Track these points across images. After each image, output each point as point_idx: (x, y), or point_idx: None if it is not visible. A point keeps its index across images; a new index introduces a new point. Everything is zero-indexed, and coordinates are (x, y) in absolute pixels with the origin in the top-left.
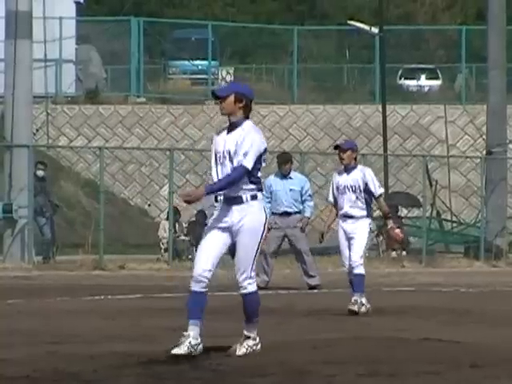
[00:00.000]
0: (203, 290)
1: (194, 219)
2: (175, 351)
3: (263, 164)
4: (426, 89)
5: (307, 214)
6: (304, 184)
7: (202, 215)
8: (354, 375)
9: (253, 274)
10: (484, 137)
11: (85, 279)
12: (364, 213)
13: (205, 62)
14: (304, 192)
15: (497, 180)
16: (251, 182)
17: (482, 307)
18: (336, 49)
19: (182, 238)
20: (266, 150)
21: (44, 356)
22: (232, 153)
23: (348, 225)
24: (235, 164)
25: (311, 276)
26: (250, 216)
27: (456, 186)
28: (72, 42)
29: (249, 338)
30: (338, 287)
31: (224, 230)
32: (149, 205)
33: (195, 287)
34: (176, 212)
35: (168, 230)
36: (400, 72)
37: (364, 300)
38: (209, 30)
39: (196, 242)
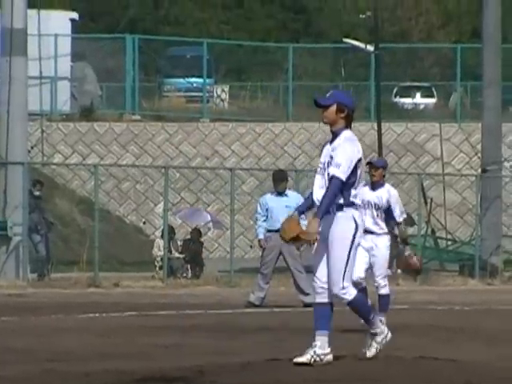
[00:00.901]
0: (325, 300)
1: (188, 237)
2: (297, 360)
3: (358, 173)
4: (421, 107)
5: None
6: (299, 201)
7: (196, 233)
8: None
9: (346, 284)
10: (479, 155)
11: (79, 297)
12: (384, 229)
13: (200, 80)
14: None
15: (492, 198)
16: (340, 193)
17: (477, 325)
18: (331, 66)
19: (177, 255)
20: (360, 160)
21: (39, 374)
22: (327, 163)
23: (368, 241)
24: (331, 174)
25: (306, 294)
26: (336, 227)
27: (451, 204)
28: (67, 59)
29: (375, 334)
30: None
31: (323, 240)
32: (144, 222)
33: (318, 299)
34: (171, 230)
35: (163, 247)
36: (395, 90)
37: None
38: (204, 47)
39: (190, 259)
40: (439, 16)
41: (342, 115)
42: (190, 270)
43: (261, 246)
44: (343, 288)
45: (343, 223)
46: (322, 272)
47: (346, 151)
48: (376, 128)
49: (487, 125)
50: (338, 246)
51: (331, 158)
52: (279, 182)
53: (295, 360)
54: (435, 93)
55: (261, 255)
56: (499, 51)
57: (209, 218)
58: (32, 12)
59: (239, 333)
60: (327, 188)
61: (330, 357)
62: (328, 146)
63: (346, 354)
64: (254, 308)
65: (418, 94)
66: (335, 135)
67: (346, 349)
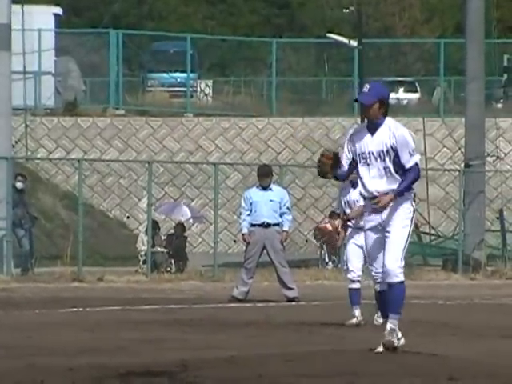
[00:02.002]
0: (384, 288)
1: (172, 232)
2: (379, 349)
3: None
4: (405, 102)
5: (285, 227)
6: (283, 196)
7: (180, 228)
8: None
9: (403, 262)
10: (462, 150)
11: (63, 291)
12: None
13: (183, 75)
14: (283, 204)
15: (475, 193)
16: (404, 183)
17: (460, 320)
18: (315, 61)
19: (160, 250)
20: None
21: (23, 368)
22: (385, 152)
23: None
24: (404, 161)
25: (289, 288)
26: (397, 208)
27: (434, 199)
28: (51, 54)
29: (394, 330)
30: (316, 300)
31: (378, 231)
32: (127, 217)
33: (382, 287)
34: (155, 224)
35: (146, 242)
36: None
37: (358, 312)
38: (187, 42)
39: (173, 254)
40: (423, 11)
41: (383, 108)
42: (173, 265)
43: (245, 240)
44: (400, 267)
45: (404, 205)
46: (380, 261)
47: (408, 136)
48: (359, 123)
49: (470, 120)
50: (400, 225)
51: (391, 148)
52: (264, 176)
53: (379, 350)
54: (418, 88)
55: (244, 250)
56: (482, 46)
57: (188, 215)
58: (16, 7)
59: (223, 327)
60: (409, 175)
61: (403, 340)
62: (367, 137)
63: (327, 348)
64: (237, 302)
65: (402, 89)
66: (377, 125)
67: (328, 343)
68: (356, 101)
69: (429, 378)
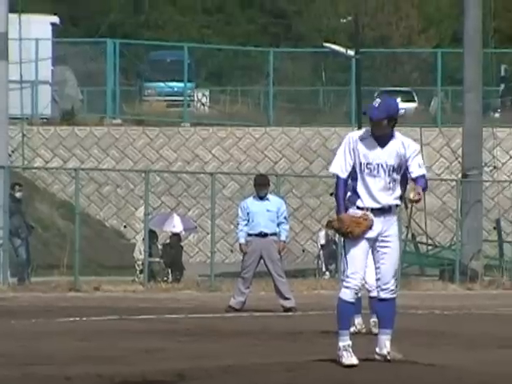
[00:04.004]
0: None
1: (168, 241)
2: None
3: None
4: (402, 111)
5: (283, 237)
6: (280, 206)
7: (176, 238)
8: None
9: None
10: (460, 159)
11: (60, 301)
12: None
13: (180, 84)
14: (280, 214)
15: (472, 203)
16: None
17: (457, 330)
18: (312, 71)
19: (157, 260)
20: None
21: (19, 378)
22: (396, 167)
23: None
24: (411, 171)
25: (286, 298)
26: (394, 223)
27: (431, 209)
28: (48, 63)
29: (388, 340)
30: (313, 309)
31: (369, 240)
32: (124, 226)
33: (351, 298)
34: (153, 234)
35: (143, 251)
36: (376, 94)
37: (358, 321)
38: (184, 51)
39: (170, 264)
40: (419, 21)
41: (391, 124)
42: (170, 274)
43: (242, 251)
44: (395, 283)
45: (396, 221)
46: (363, 269)
47: (419, 151)
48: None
49: (468, 129)
50: (397, 243)
51: (404, 162)
52: (261, 186)
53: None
54: (416, 97)
55: (241, 259)
56: (480, 56)
57: (180, 227)
58: (13, 16)
59: (220, 337)
60: (423, 181)
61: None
62: (377, 150)
63: (325, 358)
64: (234, 312)
65: (399, 99)
66: (387, 138)
67: (326, 353)
68: (364, 113)
69: None
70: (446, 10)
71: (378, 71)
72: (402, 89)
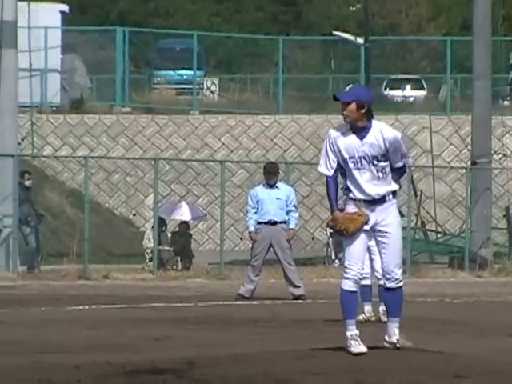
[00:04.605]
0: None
1: (176, 229)
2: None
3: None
4: (411, 99)
5: (292, 225)
6: (290, 194)
7: (184, 226)
8: None
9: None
10: (469, 147)
11: (69, 289)
12: None
13: (190, 72)
14: (289, 202)
15: (481, 190)
16: (393, 179)
17: (466, 318)
18: (321, 59)
19: (167, 248)
20: (402, 137)
21: (29, 366)
22: (378, 156)
23: None
24: (392, 163)
25: (296, 286)
26: (392, 211)
27: (441, 197)
28: (57, 51)
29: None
30: (322, 297)
31: (367, 231)
32: (134, 214)
33: (352, 287)
34: (162, 222)
35: (153, 239)
36: (385, 82)
37: (367, 309)
38: (194, 39)
39: (179, 252)
40: (429, 8)
41: (363, 111)
42: (180, 262)
43: (251, 239)
44: (401, 272)
45: (396, 209)
46: (361, 259)
47: (400, 140)
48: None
49: (477, 117)
50: (397, 230)
51: (386, 152)
52: (271, 174)
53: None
54: (425, 85)
55: (251, 247)
56: (489, 43)
57: (188, 216)
58: (22, 4)
59: (229, 325)
60: (398, 177)
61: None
62: (356, 142)
63: (334, 346)
64: (244, 300)
65: (408, 87)
66: (365, 130)
67: (335, 341)
68: (334, 97)
69: (435, 375)
70: None
71: (388, 59)
72: (411, 76)
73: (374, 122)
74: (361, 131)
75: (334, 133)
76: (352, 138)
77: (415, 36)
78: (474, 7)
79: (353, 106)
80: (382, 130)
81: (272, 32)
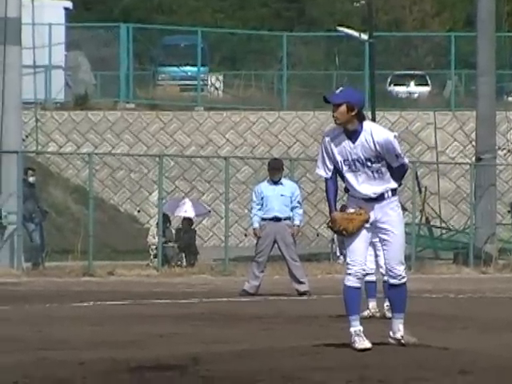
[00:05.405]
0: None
1: (180, 226)
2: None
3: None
4: (416, 95)
5: (296, 221)
6: (294, 190)
7: (187, 222)
8: (344, 381)
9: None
10: (473, 143)
11: (74, 285)
12: None
13: (194, 69)
14: (294, 198)
15: (486, 186)
16: (393, 178)
17: (471, 313)
18: (325, 55)
19: (171, 244)
20: (395, 137)
21: (33, 362)
22: (371, 159)
23: None
24: (392, 165)
25: (300, 282)
26: (393, 208)
27: (445, 193)
28: (61, 48)
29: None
30: (327, 293)
31: (367, 229)
32: (138, 211)
33: (355, 283)
34: (166, 219)
35: (157, 236)
36: (389, 78)
37: (372, 305)
38: (198, 36)
39: (184, 248)
40: (433, 4)
41: (353, 113)
42: (184, 259)
43: (256, 235)
44: (404, 269)
45: (398, 206)
46: (362, 255)
47: (393, 141)
48: (370, 116)
49: (481, 113)
50: (400, 227)
51: (379, 154)
52: (275, 170)
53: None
54: (429, 81)
55: (255, 244)
56: (493, 39)
57: (192, 213)
58: (26, 1)
59: (234, 321)
60: (398, 176)
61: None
62: (349, 145)
63: (339, 342)
64: (248, 296)
65: (412, 83)
66: (356, 132)
67: (340, 337)
68: (325, 99)
69: (440, 371)
70: None
71: (392, 55)
72: (415, 72)
73: (365, 124)
74: (352, 134)
75: (327, 136)
76: (345, 141)
77: (419, 32)
78: (478, 3)
79: (343, 107)
80: (372, 133)
81: (276, 28)
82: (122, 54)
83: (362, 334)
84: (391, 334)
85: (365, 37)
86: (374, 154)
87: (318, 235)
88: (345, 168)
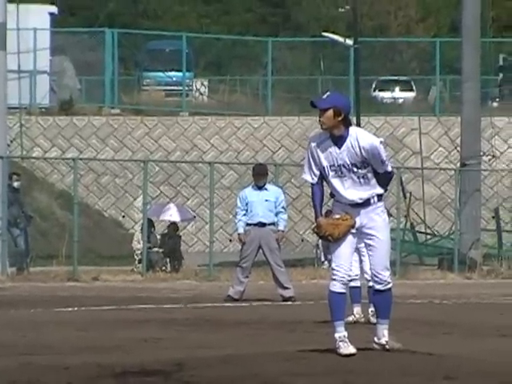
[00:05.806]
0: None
1: (165, 231)
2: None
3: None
4: (400, 101)
5: (281, 227)
6: (279, 195)
7: (173, 228)
8: None
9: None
10: (458, 149)
11: (59, 290)
12: None
13: (179, 74)
14: (278, 204)
15: (471, 192)
16: (379, 184)
17: (456, 319)
18: (310, 60)
19: (156, 249)
20: (381, 142)
21: (18, 367)
22: (357, 164)
23: None
24: (378, 170)
25: (285, 288)
26: (380, 215)
27: (430, 198)
28: (46, 53)
29: (387, 333)
30: (311, 299)
31: (353, 234)
32: (123, 216)
33: (341, 289)
34: (150, 224)
35: (142, 241)
36: (374, 84)
37: (356, 310)
38: (183, 41)
39: (168, 253)
40: (418, 10)
41: (339, 119)
42: (169, 264)
43: (240, 240)
44: (390, 274)
45: (383, 211)
46: (347, 260)
47: (378, 147)
48: (355, 122)
49: (466, 119)
50: (385, 233)
51: (364, 159)
52: (259, 176)
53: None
54: (414, 87)
55: (240, 249)
56: (478, 45)
57: (178, 218)
58: (11, 6)
59: (218, 326)
60: (384, 182)
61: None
62: (335, 151)
63: (324, 348)
64: (233, 302)
65: (397, 88)
66: (342, 138)
67: (324, 343)
68: (312, 104)
69: (425, 376)
70: None
71: (377, 60)
72: (400, 78)
73: (351, 130)
74: (338, 139)
75: (313, 141)
76: (331, 147)
77: (404, 37)
78: (462, 9)
79: (330, 112)
80: (358, 138)
81: (261, 33)
82: (107, 59)
83: (347, 340)
84: (376, 339)
85: (350, 42)
86: (359, 159)
87: (302, 240)
88: (331, 173)
